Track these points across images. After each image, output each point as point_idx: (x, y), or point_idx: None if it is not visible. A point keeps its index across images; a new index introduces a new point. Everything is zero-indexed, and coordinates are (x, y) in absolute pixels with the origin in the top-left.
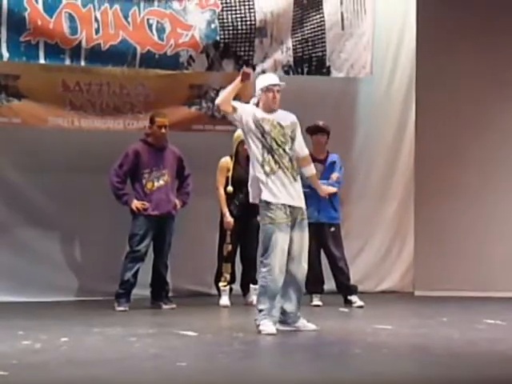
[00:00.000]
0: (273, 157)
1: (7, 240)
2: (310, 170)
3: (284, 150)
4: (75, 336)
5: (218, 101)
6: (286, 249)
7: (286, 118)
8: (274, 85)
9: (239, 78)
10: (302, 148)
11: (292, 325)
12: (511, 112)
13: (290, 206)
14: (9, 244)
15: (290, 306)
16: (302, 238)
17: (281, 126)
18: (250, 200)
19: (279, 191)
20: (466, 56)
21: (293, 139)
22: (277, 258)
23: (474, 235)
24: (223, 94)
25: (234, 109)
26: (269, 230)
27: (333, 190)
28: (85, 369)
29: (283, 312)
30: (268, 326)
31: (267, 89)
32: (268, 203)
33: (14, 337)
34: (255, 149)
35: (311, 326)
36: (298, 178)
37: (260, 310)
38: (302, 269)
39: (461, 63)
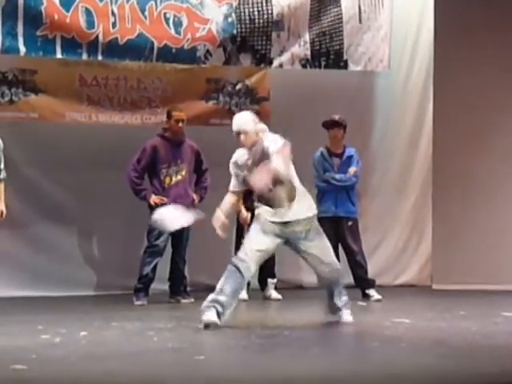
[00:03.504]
0: None
1: (25, 235)
2: None
3: None
4: (94, 330)
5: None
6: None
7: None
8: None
9: None
10: None
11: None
12: None
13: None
14: (27, 239)
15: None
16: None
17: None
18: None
19: None
20: (485, 47)
21: None
22: None
23: (492, 228)
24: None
25: None
26: None
27: None
28: (103, 363)
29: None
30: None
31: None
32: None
33: (33, 331)
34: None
35: (348, 318)
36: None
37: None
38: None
39: (479, 55)
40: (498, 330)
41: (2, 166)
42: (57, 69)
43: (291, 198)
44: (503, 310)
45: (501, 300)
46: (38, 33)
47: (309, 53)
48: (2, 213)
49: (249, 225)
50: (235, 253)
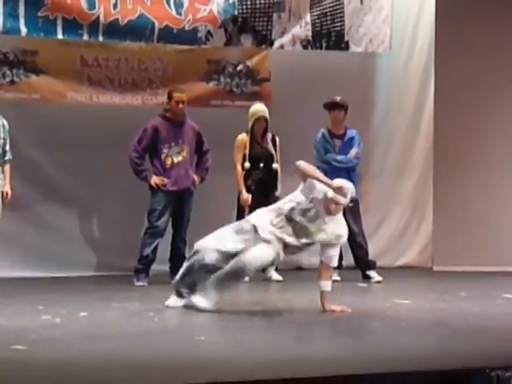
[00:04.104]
0: None
1: (26, 216)
2: None
3: None
4: (94, 311)
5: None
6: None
7: None
8: None
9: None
10: None
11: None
12: None
13: None
14: (28, 220)
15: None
16: None
17: None
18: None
19: None
20: (487, 28)
21: None
22: None
23: (492, 210)
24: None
25: None
26: None
27: None
28: (104, 343)
29: None
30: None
31: None
32: None
33: (33, 311)
34: None
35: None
36: None
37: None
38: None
39: (481, 36)
40: (499, 312)
41: (8, 147)
42: (58, 50)
43: None
44: (504, 292)
45: (502, 282)
46: (39, 14)
47: (310, 34)
48: (7, 194)
49: (250, 206)
50: None
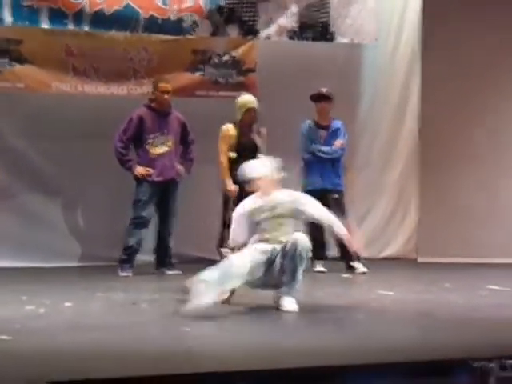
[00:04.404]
0: None
1: (10, 206)
2: None
3: None
4: (79, 301)
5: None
6: None
7: None
8: None
9: None
10: None
11: None
12: None
13: None
14: (12, 210)
15: None
16: None
17: None
18: None
19: None
20: (473, 19)
21: None
22: None
23: (477, 202)
24: None
25: None
26: None
27: None
28: (88, 333)
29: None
30: None
31: None
32: None
33: (17, 302)
34: None
35: None
36: None
37: None
38: None
39: (466, 26)
40: (484, 303)
41: None
42: (43, 39)
43: None
44: (488, 283)
45: (486, 273)
46: (24, 3)
47: (296, 25)
48: None
49: (236, 197)
50: (222, 226)
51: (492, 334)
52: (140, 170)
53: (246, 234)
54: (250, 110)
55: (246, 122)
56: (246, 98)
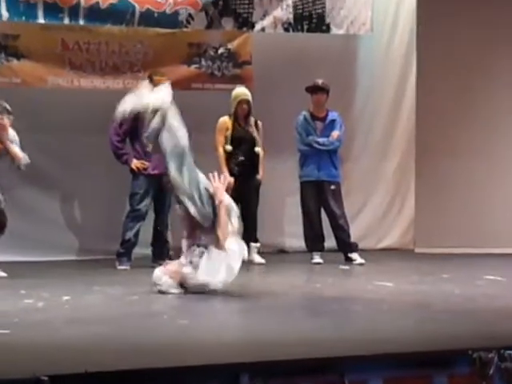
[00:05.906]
0: None
1: (8, 200)
2: None
3: None
4: (77, 295)
5: None
6: None
7: None
8: None
9: None
10: None
11: None
12: None
13: None
14: (10, 204)
15: None
16: None
17: None
18: None
19: None
20: (468, 11)
21: None
22: None
23: (474, 192)
24: None
25: None
26: None
27: None
28: (86, 327)
29: None
30: None
31: None
32: None
33: (16, 295)
34: None
35: None
36: None
37: None
38: None
39: (462, 18)
40: (481, 293)
41: None
42: (39, 34)
43: None
44: (485, 274)
45: (483, 263)
46: None
47: (291, 16)
48: None
49: (233, 189)
50: None
51: (490, 324)
52: (136, 163)
53: None
54: (241, 102)
55: (239, 114)
56: (238, 91)
